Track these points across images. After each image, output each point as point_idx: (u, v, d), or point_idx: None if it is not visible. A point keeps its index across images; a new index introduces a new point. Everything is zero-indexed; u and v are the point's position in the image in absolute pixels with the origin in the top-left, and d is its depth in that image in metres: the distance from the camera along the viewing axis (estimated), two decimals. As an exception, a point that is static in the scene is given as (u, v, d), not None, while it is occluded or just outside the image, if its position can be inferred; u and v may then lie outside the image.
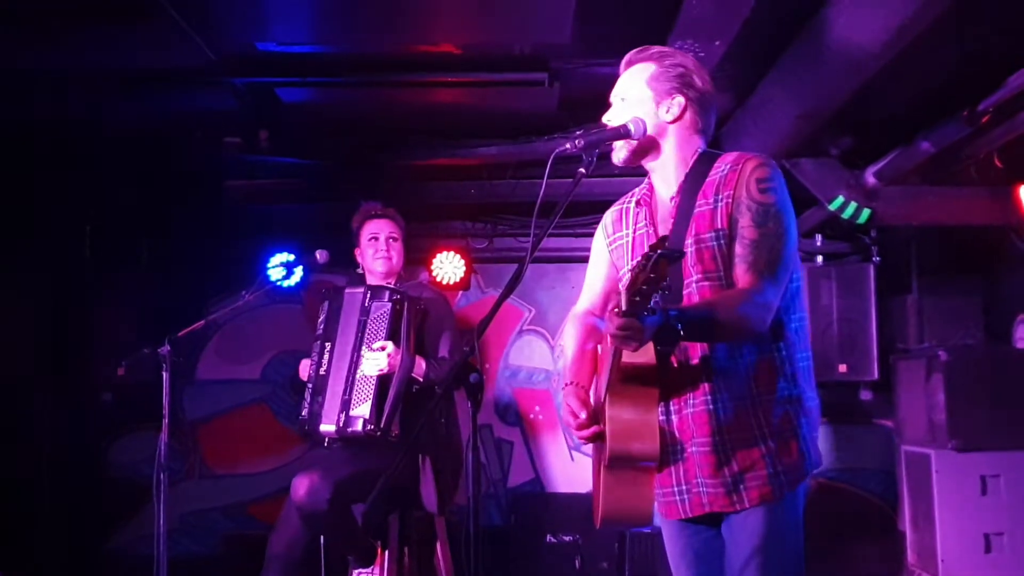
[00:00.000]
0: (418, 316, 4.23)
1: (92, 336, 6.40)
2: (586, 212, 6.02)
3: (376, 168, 5.47)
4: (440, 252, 6.15)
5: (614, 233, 2.69)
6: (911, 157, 4.68)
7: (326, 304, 4.37)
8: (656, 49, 2.58)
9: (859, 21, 3.27)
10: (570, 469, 6.35)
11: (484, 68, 4.39)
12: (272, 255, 5.75)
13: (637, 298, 2.04)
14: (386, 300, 4.17)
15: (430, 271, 6.12)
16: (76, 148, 5.36)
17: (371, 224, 4.40)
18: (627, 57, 2.59)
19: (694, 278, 2.41)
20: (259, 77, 4.43)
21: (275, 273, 5.40)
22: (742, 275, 2.36)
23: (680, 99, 2.50)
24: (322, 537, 4.06)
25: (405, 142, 5.31)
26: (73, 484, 6.29)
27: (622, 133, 2.46)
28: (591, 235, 6.64)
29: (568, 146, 2.41)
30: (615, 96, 2.58)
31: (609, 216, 2.74)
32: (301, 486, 3.92)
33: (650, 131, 2.50)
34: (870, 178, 4.99)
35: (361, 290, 4.26)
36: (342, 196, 5.84)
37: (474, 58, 4.32)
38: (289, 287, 5.51)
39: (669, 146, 2.52)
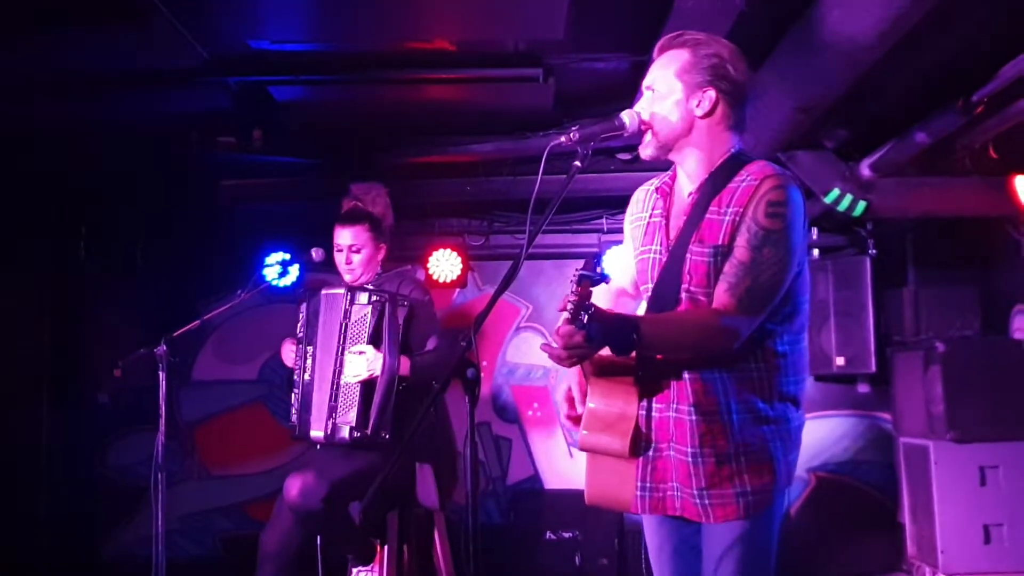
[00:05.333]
0: (403, 315, 4.11)
1: (88, 337, 6.39)
2: (583, 208, 6.04)
3: (371, 166, 5.45)
4: (437, 250, 6.15)
5: (636, 212, 2.64)
6: (906, 149, 4.68)
7: (304, 306, 4.24)
8: (691, 35, 2.45)
9: (853, 13, 3.26)
10: (569, 466, 6.35)
11: (478, 64, 4.38)
12: (268, 254, 5.74)
13: (574, 311, 2.12)
14: (366, 303, 4.05)
15: (426, 269, 6.11)
16: (70, 149, 5.35)
17: (336, 232, 4.23)
18: (660, 43, 2.48)
19: (687, 287, 2.39)
20: (252, 76, 4.42)
21: (271, 272, 5.39)
22: (720, 294, 2.33)
23: (711, 93, 2.40)
24: (319, 537, 4.04)
25: (400, 139, 5.30)
26: (70, 486, 6.28)
27: (616, 127, 2.41)
28: (588, 231, 6.69)
29: (563, 140, 2.37)
30: (645, 85, 2.48)
31: (636, 195, 2.67)
32: (293, 486, 3.87)
33: (677, 125, 2.41)
34: (865, 170, 4.99)
35: (341, 291, 4.13)
36: (337, 194, 5.82)
37: (468, 54, 4.31)
38: (285, 286, 5.51)
39: (696, 141, 2.43)
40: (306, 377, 4.16)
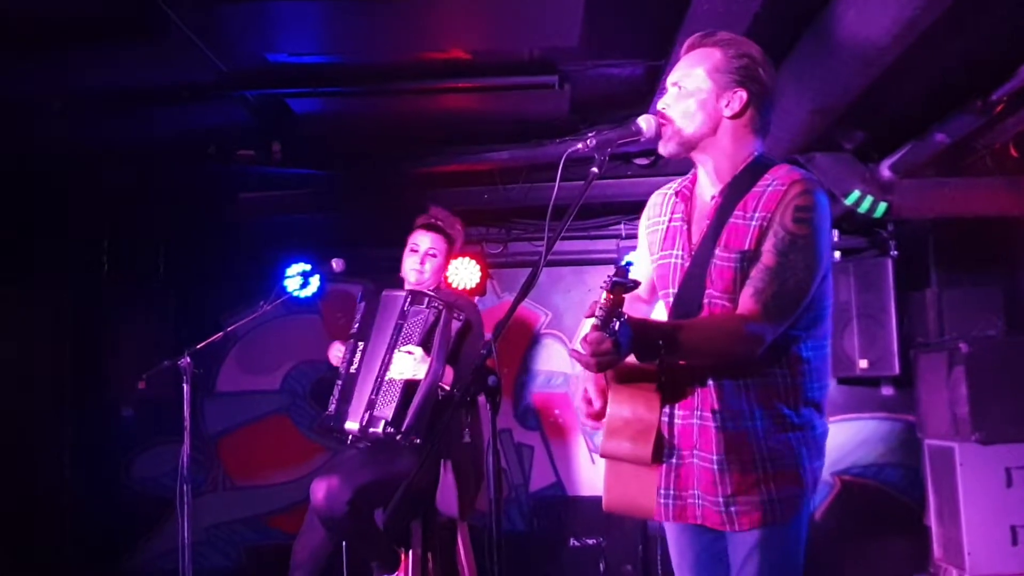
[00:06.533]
0: (457, 327, 4.23)
1: (112, 351, 6.43)
2: (600, 214, 6.04)
3: (389, 176, 5.48)
4: (455, 258, 6.15)
5: (653, 217, 2.63)
6: (926, 149, 4.66)
7: (363, 304, 4.41)
8: (722, 34, 2.44)
9: (869, 14, 3.25)
10: (591, 472, 6.34)
11: (494, 73, 4.39)
12: (288, 265, 5.77)
13: (606, 318, 2.09)
14: (424, 306, 4.19)
15: (445, 277, 6.11)
16: (91, 165, 5.40)
17: (416, 234, 4.42)
18: (689, 40, 2.46)
19: (711, 293, 2.38)
20: (270, 89, 4.45)
21: (292, 283, 5.41)
22: (746, 299, 2.32)
23: (742, 94, 2.39)
24: (344, 543, 4.06)
25: (417, 149, 5.32)
26: (96, 499, 6.32)
27: (633, 132, 2.40)
28: (606, 237, 6.69)
29: (580, 146, 2.36)
30: (671, 82, 2.45)
31: (652, 199, 2.66)
32: (319, 490, 3.93)
33: (704, 124, 2.40)
34: (885, 171, 4.96)
35: (403, 294, 4.29)
36: (356, 205, 5.86)
37: (484, 63, 4.32)
38: (306, 297, 5.53)
39: (722, 142, 2.42)
40: (352, 370, 4.27)
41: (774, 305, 2.29)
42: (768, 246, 2.31)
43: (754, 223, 2.34)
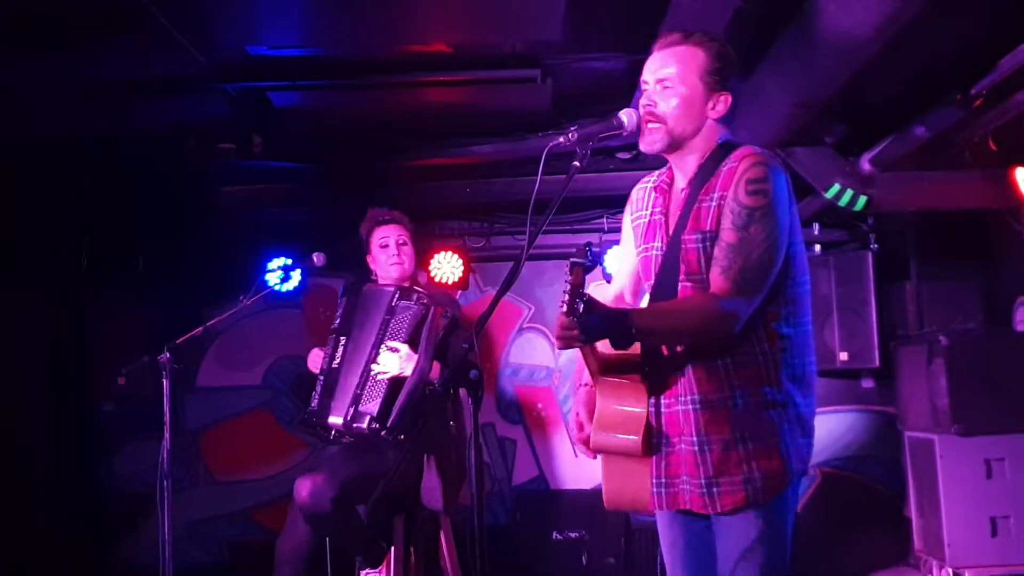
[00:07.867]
0: (444, 324, 4.22)
1: (91, 346, 6.40)
2: (582, 208, 6.04)
3: (371, 170, 5.46)
4: (437, 252, 6.14)
5: (636, 211, 2.66)
6: (906, 143, 4.68)
7: (344, 299, 4.36)
8: (700, 34, 2.47)
9: (849, 8, 3.25)
10: (574, 466, 6.35)
11: (476, 66, 4.38)
12: (269, 260, 5.75)
13: (570, 300, 2.12)
14: (413, 302, 4.17)
15: (428, 271, 6.11)
16: (70, 160, 5.35)
17: (379, 231, 4.39)
18: (667, 39, 2.47)
19: (682, 277, 2.41)
20: (251, 82, 4.42)
21: (273, 278, 5.40)
22: (714, 279, 2.34)
23: (727, 97, 2.44)
24: (328, 538, 4.06)
25: (399, 143, 5.31)
26: (75, 495, 6.29)
27: (614, 126, 2.42)
28: (588, 231, 6.70)
29: (562, 140, 2.38)
30: (654, 79, 2.45)
31: (634, 193, 2.69)
32: (303, 488, 3.92)
33: (692, 124, 2.43)
34: (866, 165, 4.98)
35: (391, 288, 4.25)
36: (337, 199, 5.84)
37: (466, 56, 4.31)
38: (287, 291, 5.52)
39: (699, 139, 2.46)
40: (334, 365, 4.23)
41: (743, 280, 2.31)
42: (726, 224, 2.34)
43: (714, 204, 2.38)
